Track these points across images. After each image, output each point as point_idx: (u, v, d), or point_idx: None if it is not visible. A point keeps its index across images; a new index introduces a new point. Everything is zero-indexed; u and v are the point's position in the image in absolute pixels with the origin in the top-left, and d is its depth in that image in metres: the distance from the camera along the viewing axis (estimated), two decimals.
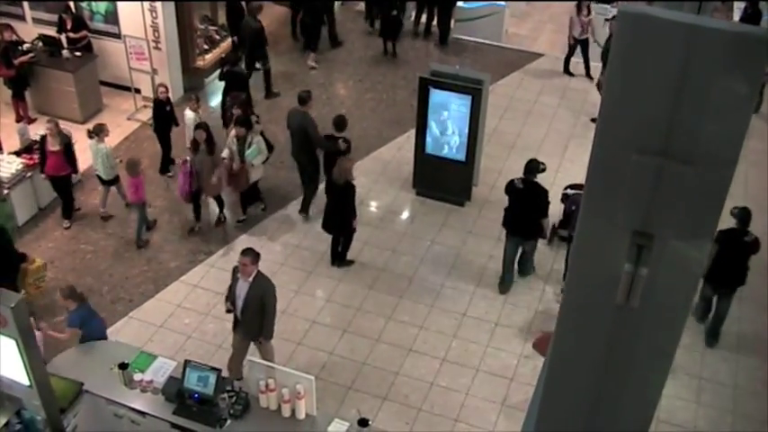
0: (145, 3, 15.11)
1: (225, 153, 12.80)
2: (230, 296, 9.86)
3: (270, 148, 13.44)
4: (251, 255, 9.59)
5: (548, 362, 4.09)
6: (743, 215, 10.74)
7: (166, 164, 14.40)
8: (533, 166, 11.67)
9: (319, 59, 17.63)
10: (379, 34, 18.05)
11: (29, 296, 11.08)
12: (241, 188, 13.13)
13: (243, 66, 15.56)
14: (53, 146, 12.49)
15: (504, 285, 12.20)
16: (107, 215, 13.44)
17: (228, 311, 9.99)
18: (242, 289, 9.67)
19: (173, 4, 15.45)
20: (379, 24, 18.35)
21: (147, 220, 13.11)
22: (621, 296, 3.25)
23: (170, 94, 14.02)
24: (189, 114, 13.79)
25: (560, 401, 3.91)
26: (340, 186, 11.88)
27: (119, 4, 15.54)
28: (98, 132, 12.87)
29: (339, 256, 12.58)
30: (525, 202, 11.68)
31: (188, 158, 12.56)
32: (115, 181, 13.25)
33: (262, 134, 13.22)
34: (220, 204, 13.23)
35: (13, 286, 10.45)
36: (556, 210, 12.63)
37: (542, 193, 11.66)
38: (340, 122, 13.04)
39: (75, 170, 13.14)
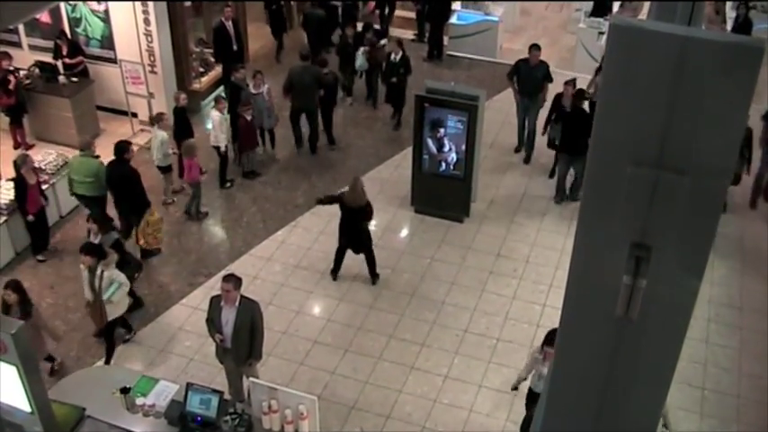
0: (140, 27, 15.16)
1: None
2: (215, 328, 9.56)
3: (138, 266, 11.99)
4: (233, 280, 9.30)
5: (549, 375, 4.09)
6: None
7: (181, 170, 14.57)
8: (581, 94, 14.14)
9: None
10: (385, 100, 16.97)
11: (146, 244, 12.76)
12: (99, 325, 11.19)
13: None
14: (31, 179, 12.33)
15: (559, 199, 14.45)
16: (169, 202, 14.31)
17: (222, 342, 9.60)
18: (228, 315, 9.41)
19: (168, 27, 15.49)
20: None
21: (200, 198, 13.95)
22: (621, 308, 3.25)
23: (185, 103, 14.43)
24: (215, 115, 14.08)
25: (563, 414, 3.91)
26: (357, 208, 11.92)
27: (114, 28, 15.58)
28: (158, 120, 13.83)
29: (370, 274, 12.60)
30: (573, 124, 13.64)
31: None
32: (169, 169, 14.13)
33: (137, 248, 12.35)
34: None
35: (133, 230, 12.71)
36: None
37: (588, 117, 13.44)
38: (322, 62, 15.65)
39: (46, 198, 12.87)
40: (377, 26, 18.25)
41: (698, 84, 2.88)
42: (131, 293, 11.37)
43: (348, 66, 16.92)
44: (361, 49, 16.51)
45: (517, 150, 15.77)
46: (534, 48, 15.12)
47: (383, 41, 17.51)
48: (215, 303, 9.55)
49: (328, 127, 15.91)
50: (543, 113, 15.08)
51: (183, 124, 14.20)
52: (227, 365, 10.02)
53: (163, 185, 14.37)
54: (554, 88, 14.82)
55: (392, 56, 16.16)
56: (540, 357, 9.25)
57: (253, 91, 14.67)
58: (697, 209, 3.09)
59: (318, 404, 8.47)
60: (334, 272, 12.67)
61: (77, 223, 13.65)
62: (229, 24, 16.58)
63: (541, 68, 15.08)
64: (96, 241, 11.18)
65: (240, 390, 10.05)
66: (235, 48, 16.68)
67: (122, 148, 12.75)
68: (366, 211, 12.06)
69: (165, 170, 14.17)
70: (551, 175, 14.89)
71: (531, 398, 9.61)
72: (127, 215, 13.00)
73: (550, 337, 8.95)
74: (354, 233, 12.23)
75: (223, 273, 12.51)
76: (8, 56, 14.95)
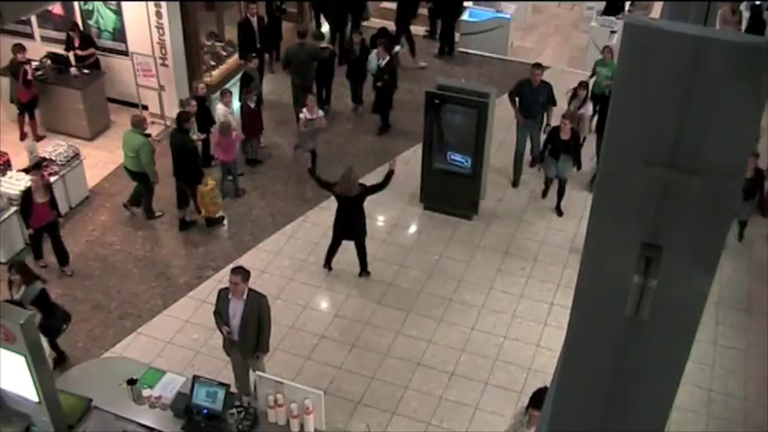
0: (152, 20, 15.17)
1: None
2: (222, 320, 9.60)
3: (66, 317, 10.79)
4: (241, 273, 9.35)
5: (557, 374, 4.08)
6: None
7: (207, 160, 14.62)
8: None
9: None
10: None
11: (207, 212, 13.48)
12: None
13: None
14: (40, 198, 11.98)
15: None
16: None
17: (228, 334, 9.65)
18: (236, 309, 9.44)
19: (179, 21, 15.50)
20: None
21: (237, 178, 14.39)
22: (631, 308, 3.23)
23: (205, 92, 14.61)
24: (220, 108, 14.14)
25: (570, 414, 3.90)
26: (350, 198, 11.94)
27: (126, 21, 15.62)
28: (223, 94, 14.29)
29: (360, 265, 12.61)
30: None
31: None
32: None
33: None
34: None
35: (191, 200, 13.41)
36: None
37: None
38: (319, 35, 16.54)
39: (59, 214, 12.58)
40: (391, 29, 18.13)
41: (711, 84, 2.86)
42: (54, 347, 10.71)
43: (355, 74, 16.59)
44: (374, 51, 16.17)
45: (514, 185, 14.85)
46: (536, 67, 14.39)
47: (397, 48, 17.24)
48: (223, 296, 9.58)
49: (327, 99, 16.70)
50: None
51: (202, 113, 14.22)
52: (233, 358, 10.04)
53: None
54: (559, 101, 14.70)
55: (378, 60, 15.83)
56: (524, 420, 8.41)
57: (308, 116, 14.31)
58: (709, 209, 3.07)
59: (324, 399, 8.47)
60: (327, 264, 12.70)
61: (86, 215, 13.71)
62: (254, 20, 16.59)
63: (544, 90, 14.34)
64: (18, 296, 10.14)
65: (246, 383, 10.06)
66: (258, 45, 16.65)
67: (183, 117, 13.18)
68: (360, 200, 12.02)
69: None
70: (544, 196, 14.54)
71: None
72: (185, 184, 13.45)
73: (536, 399, 8.21)
74: (348, 223, 12.22)
75: (231, 266, 12.54)
76: (23, 48, 14.97)
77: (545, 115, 14.67)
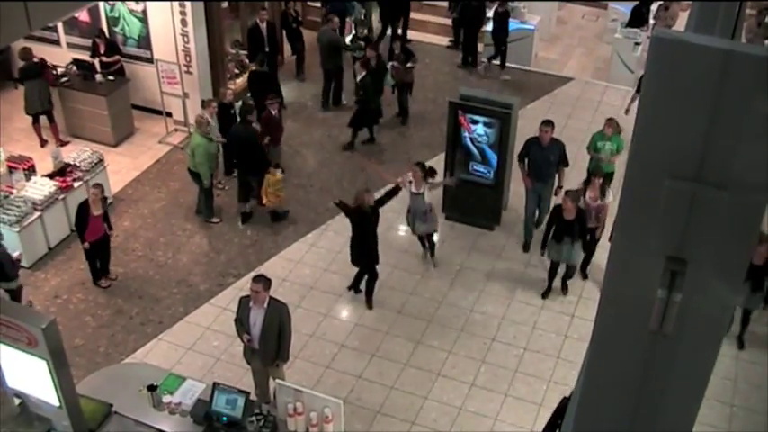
0: (177, 28, 15.26)
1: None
2: (243, 327, 9.61)
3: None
4: (262, 281, 9.34)
5: (580, 387, 4.06)
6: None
7: (230, 168, 14.73)
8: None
9: (345, 83, 17.60)
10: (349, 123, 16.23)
11: (269, 202, 13.73)
12: None
13: None
14: (96, 210, 11.97)
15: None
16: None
17: (249, 342, 9.66)
18: (257, 317, 9.45)
19: (204, 28, 15.59)
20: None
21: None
22: (655, 322, 3.22)
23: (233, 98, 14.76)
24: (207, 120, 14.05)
25: (593, 428, 3.88)
26: (363, 213, 11.72)
27: (151, 28, 15.73)
28: (206, 106, 14.06)
29: (366, 294, 12.35)
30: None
31: None
32: None
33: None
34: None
35: (256, 189, 13.74)
36: None
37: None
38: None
39: (110, 227, 12.51)
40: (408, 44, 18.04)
41: (739, 97, 2.85)
42: None
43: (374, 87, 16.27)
44: (390, 65, 16.17)
45: (525, 249, 13.51)
46: (545, 124, 12.78)
47: (409, 63, 16.63)
48: (244, 303, 9.59)
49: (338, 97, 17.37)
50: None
51: (227, 119, 14.28)
52: (254, 366, 10.05)
53: None
54: (584, 113, 14.62)
55: (355, 76, 15.63)
56: None
57: (413, 190, 12.47)
58: (735, 224, 3.06)
59: (344, 408, 8.47)
60: (355, 286, 12.51)
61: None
62: (263, 26, 16.75)
63: (555, 149, 12.83)
64: None
65: (266, 391, 10.07)
66: (267, 49, 16.79)
67: (247, 109, 13.55)
68: (372, 218, 11.79)
69: None
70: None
71: None
72: (248, 175, 13.80)
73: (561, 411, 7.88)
74: (360, 244, 11.98)
75: (252, 274, 12.57)
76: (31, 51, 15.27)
77: (557, 177, 13.14)
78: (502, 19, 17.95)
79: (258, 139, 13.72)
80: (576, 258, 12.22)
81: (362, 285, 12.41)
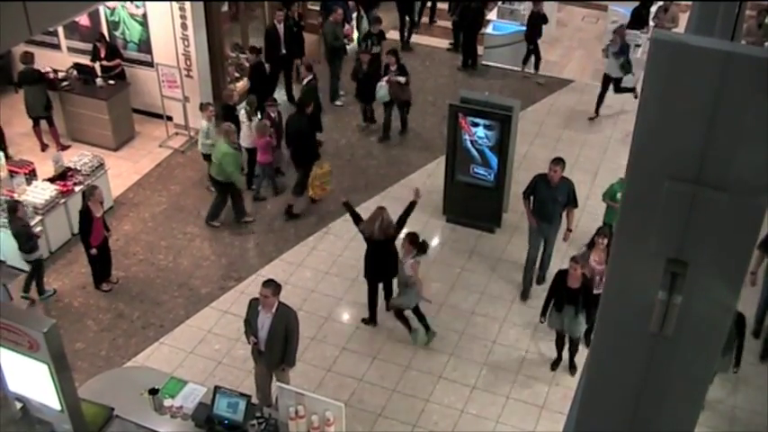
0: (177, 32, 15.27)
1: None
2: (251, 329, 9.66)
3: None
4: (272, 286, 9.38)
5: (581, 390, 4.06)
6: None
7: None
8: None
9: (346, 88, 17.59)
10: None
11: (315, 194, 14.10)
12: None
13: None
14: (98, 212, 12.05)
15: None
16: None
17: (255, 344, 9.72)
18: (264, 321, 9.50)
19: (204, 32, 15.60)
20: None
21: (271, 180, 14.59)
22: (655, 324, 3.22)
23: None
24: (204, 124, 14.13)
25: (594, 430, 3.87)
26: (379, 240, 11.39)
27: (152, 32, 15.74)
28: (203, 109, 14.15)
29: (386, 297, 12.04)
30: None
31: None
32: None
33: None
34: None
35: (303, 181, 14.01)
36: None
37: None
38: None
39: (107, 228, 12.54)
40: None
41: (739, 99, 2.85)
42: None
43: (365, 93, 16.25)
44: (384, 80, 15.66)
45: (524, 297, 12.54)
46: (555, 163, 11.88)
47: (402, 78, 15.82)
48: (253, 306, 9.66)
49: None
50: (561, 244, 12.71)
51: (232, 121, 14.13)
52: (258, 368, 10.10)
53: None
54: (584, 114, 14.62)
55: (302, 81, 15.46)
56: None
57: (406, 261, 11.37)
58: (735, 226, 3.06)
59: (345, 411, 8.46)
60: (371, 320, 12.06)
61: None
62: (280, 27, 16.77)
63: (563, 188, 11.93)
64: None
65: (268, 394, 10.07)
66: (283, 51, 16.82)
67: (306, 99, 14.11)
68: (391, 244, 11.42)
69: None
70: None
71: None
72: (300, 166, 14.05)
73: None
74: (379, 264, 11.65)
75: (253, 277, 12.62)
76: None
77: (565, 218, 12.26)
78: (537, 20, 17.97)
79: (309, 131, 14.09)
80: (577, 331, 10.91)
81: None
